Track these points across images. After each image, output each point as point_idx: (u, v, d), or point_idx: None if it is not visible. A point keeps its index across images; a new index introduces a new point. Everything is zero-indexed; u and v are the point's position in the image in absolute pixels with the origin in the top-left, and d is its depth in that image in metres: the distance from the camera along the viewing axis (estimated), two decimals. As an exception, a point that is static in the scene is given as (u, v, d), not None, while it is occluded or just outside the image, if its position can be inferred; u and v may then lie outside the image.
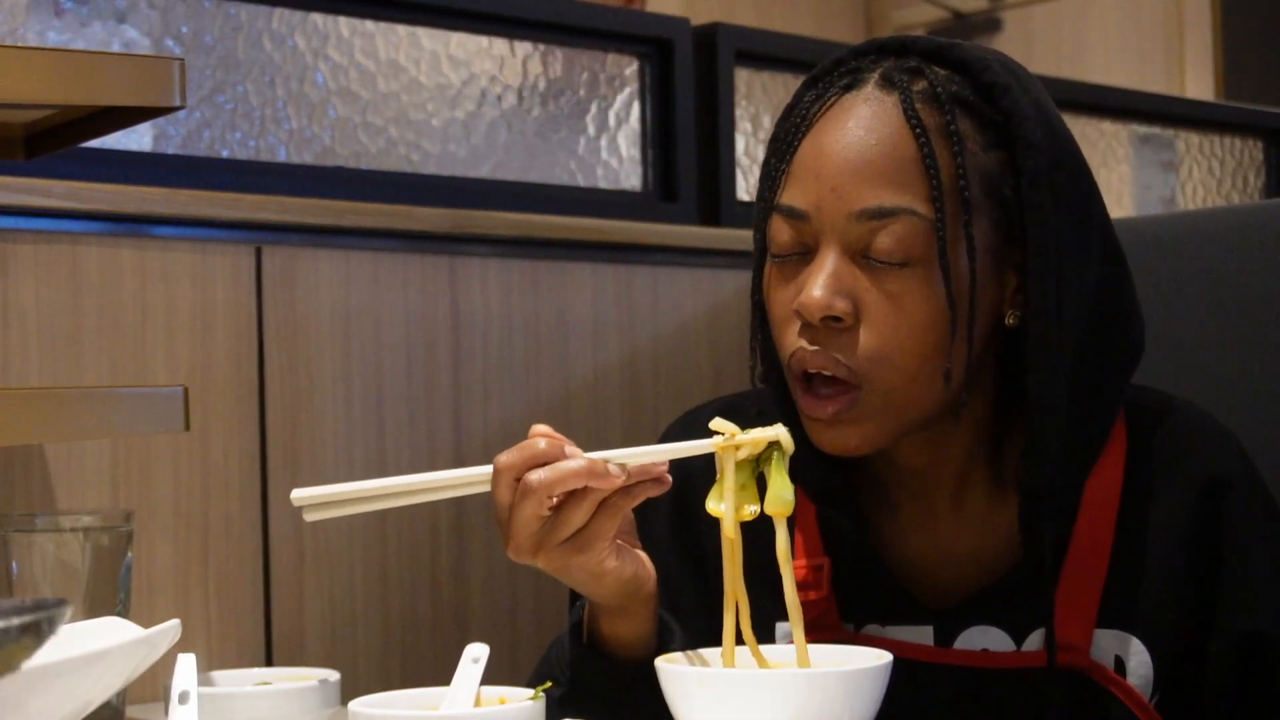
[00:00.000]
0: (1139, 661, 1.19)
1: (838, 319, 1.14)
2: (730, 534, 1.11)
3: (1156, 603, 1.20)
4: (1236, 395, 1.52)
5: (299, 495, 1.13)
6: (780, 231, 1.17)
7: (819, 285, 1.14)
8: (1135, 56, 4.79)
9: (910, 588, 1.24)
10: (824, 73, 1.21)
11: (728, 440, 1.13)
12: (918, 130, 1.14)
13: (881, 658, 1.09)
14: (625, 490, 1.13)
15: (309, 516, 1.13)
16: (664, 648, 1.22)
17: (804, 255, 1.17)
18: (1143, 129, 2.78)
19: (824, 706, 1.05)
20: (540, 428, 1.14)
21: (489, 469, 1.13)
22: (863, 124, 1.15)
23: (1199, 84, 4.69)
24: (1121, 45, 4.83)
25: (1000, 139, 1.16)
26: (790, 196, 1.17)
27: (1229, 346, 1.54)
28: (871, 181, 1.14)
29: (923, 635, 1.22)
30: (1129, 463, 1.23)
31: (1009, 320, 1.19)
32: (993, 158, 1.16)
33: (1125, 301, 1.22)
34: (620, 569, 1.17)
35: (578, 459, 1.11)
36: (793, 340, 1.16)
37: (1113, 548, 1.21)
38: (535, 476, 1.10)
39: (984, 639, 1.22)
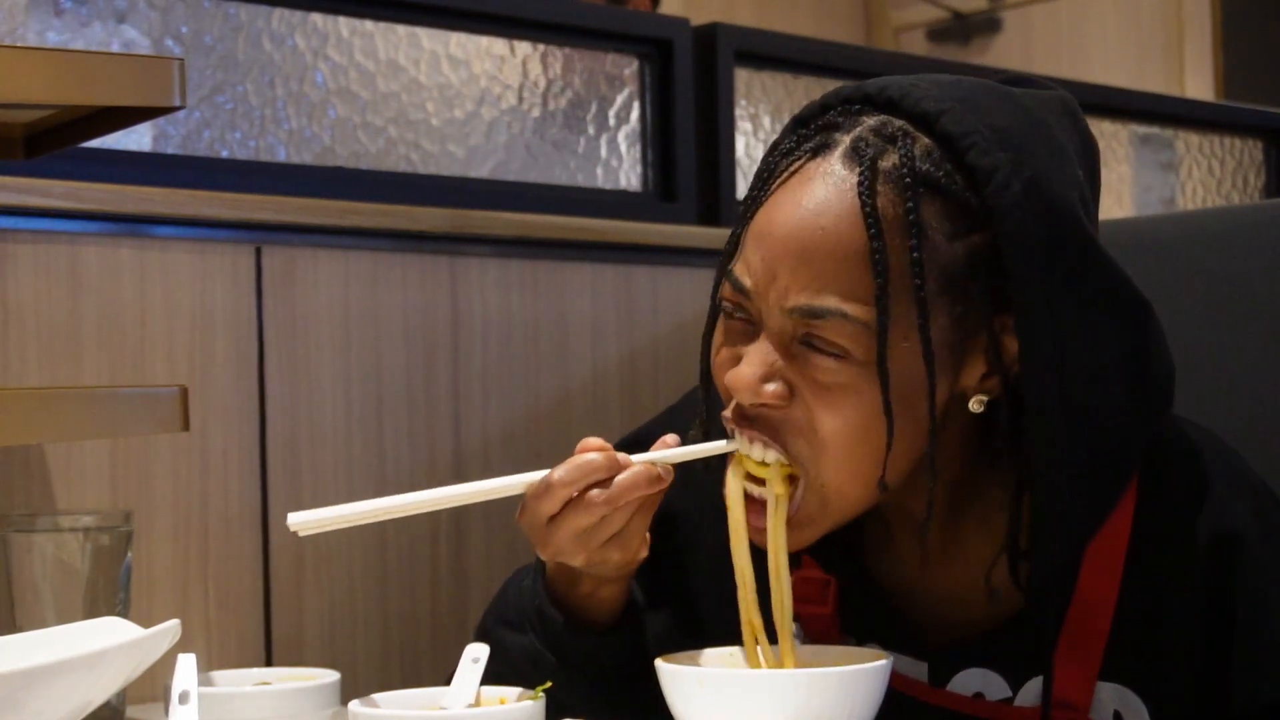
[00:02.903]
0: (1137, 719, 1.15)
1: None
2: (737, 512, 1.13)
3: (1161, 661, 1.15)
4: (1236, 396, 1.51)
5: (295, 521, 1.13)
6: (730, 296, 1.14)
7: (751, 373, 1.10)
8: (1135, 56, 4.80)
9: (909, 620, 1.22)
10: (810, 115, 1.15)
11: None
12: (870, 221, 1.06)
13: (880, 658, 1.09)
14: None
15: (304, 533, 1.14)
16: (631, 607, 1.25)
17: (750, 324, 1.13)
18: (1142, 129, 2.78)
19: (822, 706, 1.05)
20: (592, 441, 1.15)
21: (488, 485, 1.16)
22: (814, 206, 1.09)
23: (1199, 84, 4.69)
24: (1121, 45, 4.83)
25: (974, 225, 1.08)
26: (740, 268, 1.12)
27: (1229, 347, 1.54)
28: (807, 277, 1.08)
29: (918, 671, 1.20)
30: (1139, 511, 1.17)
31: (974, 406, 1.12)
32: (959, 248, 1.08)
33: (1146, 361, 1.14)
34: (645, 551, 1.20)
35: (632, 469, 1.13)
36: (730, 410, 1.15)
37: (1118, 602, 1.15)
38: (598, 494, 1.12)
39: (980, 682, 1.19)
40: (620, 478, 1.12)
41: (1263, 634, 1.14)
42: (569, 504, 1.13)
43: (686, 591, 1.31)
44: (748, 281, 1.11)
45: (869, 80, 1.15)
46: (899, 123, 1.10)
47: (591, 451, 1.13)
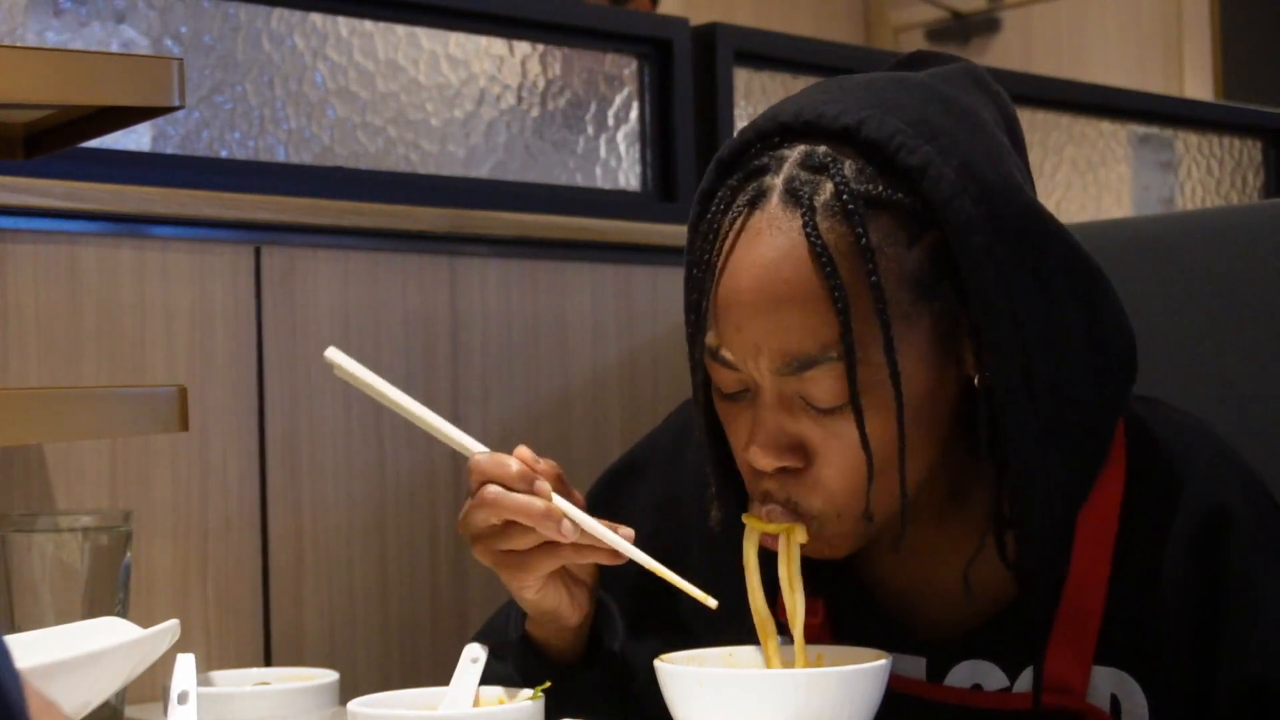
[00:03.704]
0: (1134, 702, 1.14)
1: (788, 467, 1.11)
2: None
3: (1154, 641, 1.15)
4: (1236, 395, 1.52)
5: (333, 354, 1.18)
6: (719, 374, 1.13)
7: (763, 444, 1.10)
8: (1134, 56, 4.80)
9: (903, 618, 1.22)
10: (733, 156, 1.13)
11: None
12: (824, 260, 1.05)
13: (880, 658, 1.09)
14: (575, 546, 1.15)
15: (337, 372, 1.19)
16: (595, 648, 1.26)
17: (748, 390, 1.12)
18: (1142, 129, 2.78)
19: (823, 706, 1.05)
20: (523, 451, 1.16)
21: (468, 441, 1.19)
22: (770, 261, 1.08)
23: (1198, 84, 4.69)
24: (1121, 45, 4.83)
25: (923, 224, 1.08)
26: (719, 343, 1.12)
27: (1228, 346, 1.54)
28: (784, 334, 1.07)
29: (916, 667, 1.20)
30: (1127, 492, 1.17)
31: (979, 382, 1.11)
32: (918, 252, 1.08)
33: (1106, 326, 1.16)
34: (538, 601, 1.20)
35: (537, 500, 1.13)
36: (751, 478, 1.15)
37: (1110, 583, 1.16)
38: (490, 491, 1.14)
39: (977, 674, 1.19)
40: (514, 496, 1.14)
41: (1252, 611, 1.14)
42: (479, 497, 1.15)
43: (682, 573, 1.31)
44: (730, 356, 1.11)
45: (779, 106, 1.14)
46: (822, 148, 1.09)
47: (515, 459, 1.15)
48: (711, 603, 1.14)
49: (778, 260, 1.08)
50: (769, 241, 1.08)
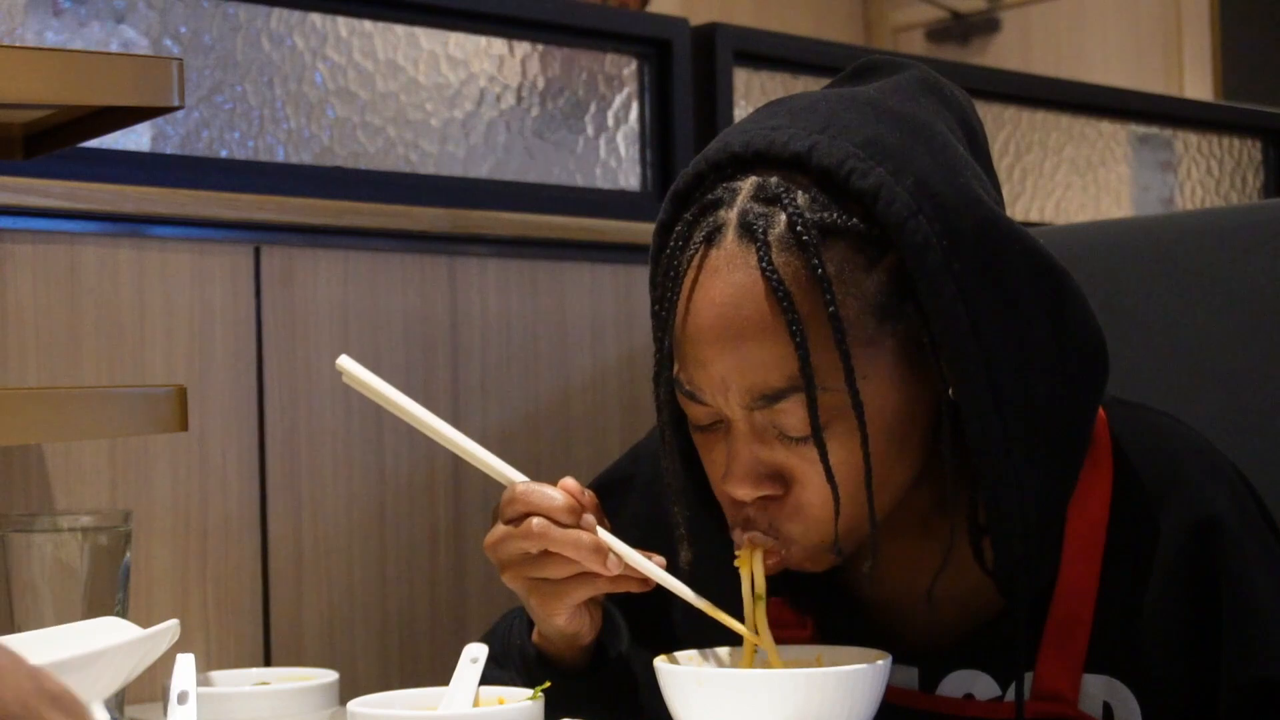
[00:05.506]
0: (1127, 709, 1.14)
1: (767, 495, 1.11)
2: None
3: (1146, 648, 1.15)
4: (1236, 396, 1.51)
5: (343, 362, 1.15)
6: (691, 408, 1.13)
7: (740, 476, 1.10)
8: (1134, 56, 4.80)
9: (893, 629, 1.22)
10: (688, 188, 1.13)
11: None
12: (781, 295, 1.05)
13: (881, 657, 1.09)
14: (612, 577, 1.15)
15: (345, 379, 1.16)
16: (603, 655, 1.25)
17: (724, 424, 1.12)
18: (1141, 129, 2.78)
19: (823, 706, 1.05)
20: (569, 483, 1.15)
21: (495, 462, 1.16)
22: (729, 299, 1.07)
23: (1197, 84, 4.69)
24: (1120, 45, 4.83)
25: (881, 247, 1.07)
26: (687, 378, 1.11)
27: (1227, 347, 1.54)
28: (751, 369, 1.07)
29: (908, 676, 1.20)
30: (1114, 499, 1.17)
31: (954, 394, 1.11)
32: (879, 275, 1.07)
33: (1073, 330, 1.14)
34: (565, 627, 1.19)
35: (585, 534, 1.12)
36: (731, 507, 1.14)
37: (1099, 591, 1.15)
38: (537, 524, 1.12)
39: (970, 683, 1.18)
40: (563, 530, 1.12)
41: (1249, 614, 1.13)
42: (520, 527, 1.13)
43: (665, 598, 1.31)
44: (700, 394, 1.11)
45: (729, 134, 1.13)
46: (774, 178, 1.08)
47: (561, 491, 1.14)
48: (768, 645, 1.13)
49: (737, 297, 1.07)
50: (727, 279, 1.08)
